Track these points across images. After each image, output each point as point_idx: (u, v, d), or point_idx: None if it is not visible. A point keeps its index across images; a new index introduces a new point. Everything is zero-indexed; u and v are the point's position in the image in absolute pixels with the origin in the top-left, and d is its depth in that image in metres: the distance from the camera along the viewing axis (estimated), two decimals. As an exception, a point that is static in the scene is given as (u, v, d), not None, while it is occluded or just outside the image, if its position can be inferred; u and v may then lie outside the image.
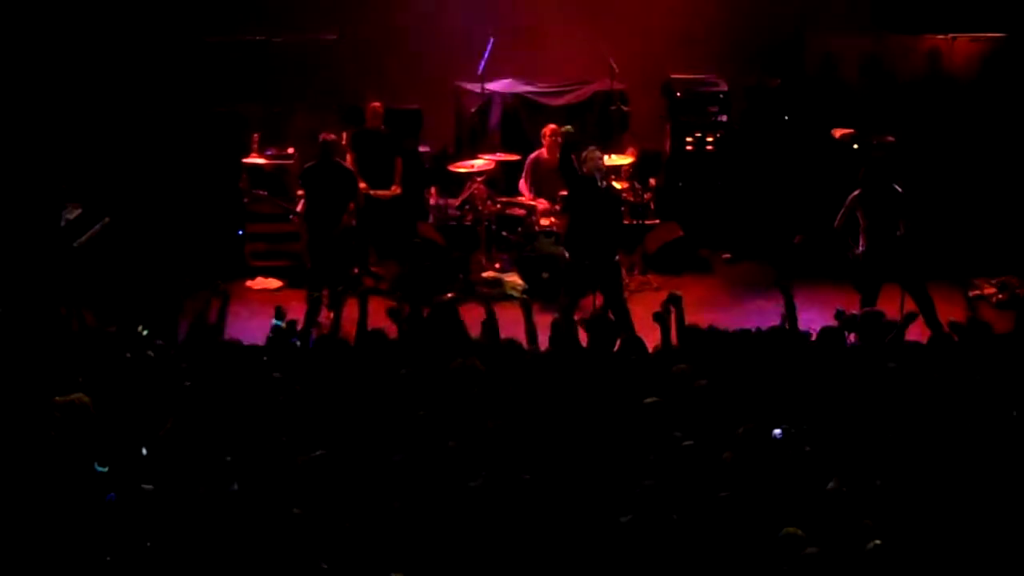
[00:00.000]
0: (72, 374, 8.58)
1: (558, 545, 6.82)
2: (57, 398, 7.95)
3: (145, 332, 9.36)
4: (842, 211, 11.79)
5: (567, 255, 11.83)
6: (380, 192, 13.86)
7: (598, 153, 11.75)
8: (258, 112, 14.61)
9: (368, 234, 13.78)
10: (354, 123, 14.19)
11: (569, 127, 13.45)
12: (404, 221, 14.07)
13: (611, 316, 10.85)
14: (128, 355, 8.84)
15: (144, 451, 7.29)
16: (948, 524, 6.86)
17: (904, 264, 11.62)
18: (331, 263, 12.53)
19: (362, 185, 13.71)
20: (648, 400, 8.26)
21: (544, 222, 13.93)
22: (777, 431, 7.74)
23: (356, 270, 13.46)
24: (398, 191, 14.04)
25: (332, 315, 10.08)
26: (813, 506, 7.19)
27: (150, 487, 7.05)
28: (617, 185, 13.43)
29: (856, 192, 11.74)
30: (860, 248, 11.72)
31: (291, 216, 13.45)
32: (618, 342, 9.53)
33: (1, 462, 7.55)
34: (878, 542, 6.55)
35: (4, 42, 13.41)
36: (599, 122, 14.76)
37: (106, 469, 7.16)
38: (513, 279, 13.67)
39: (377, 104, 14.03)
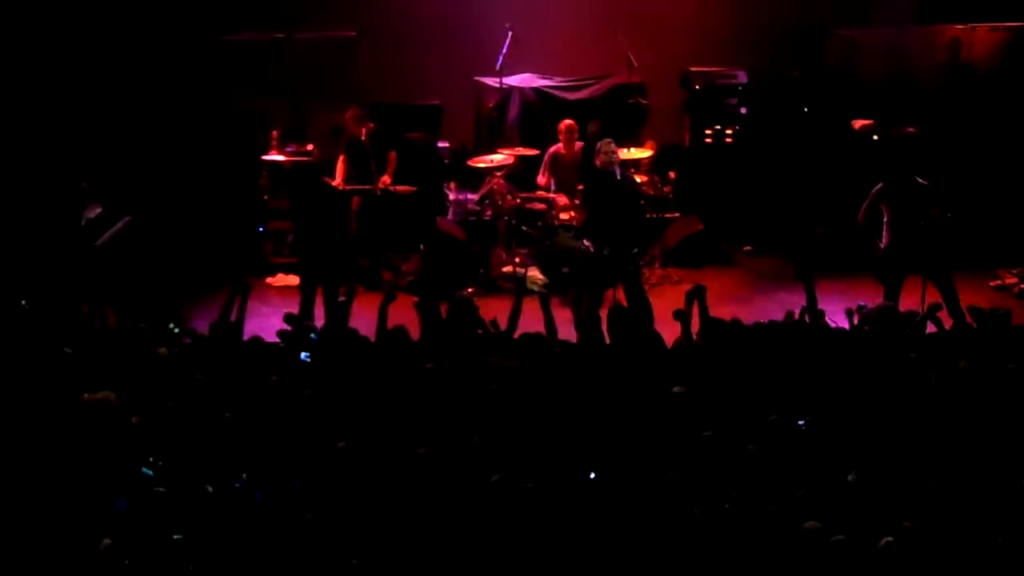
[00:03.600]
0: (97, 372, 8.61)
1: (579, 539, 6.82)
2: (85, 396, 8.00)
3: (176, 330, 9.40)
4: (865, 205, 11.75)
5: (588, 246, 11.77)
6: (399, 187, 13.84)
7: (612, 146, 11.76)
8: (278, 109, 14.66)
9: (386, 230, 13.76)
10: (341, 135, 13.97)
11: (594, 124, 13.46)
12: (423, 216, 14.07)
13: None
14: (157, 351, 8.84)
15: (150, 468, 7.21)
16: (967, 516, 6.83)
17: (929, 255, 11.58)
18: (322, 280, 11.82)
19: (385, 179, 13.68)
20: (675, 390, 8.28)
21: (564, 216, 13.93)
22: (801, 422, 7.74)
23: (368, 263, 13.47)
24: (388, 181, 13.67)
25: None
26: (833, 499, 7.19)
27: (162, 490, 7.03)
28: (637, 178, 13.42)
29: (879, 185, 11.70)
30: (884, 241, 11.68)
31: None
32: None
33: (26, 462, 7.58)
34: (890, 539, 6.53)
35: (25, 42, 13.47)
36: (618, 116, 14.72)
37: (152, 473, 7.12)
38: (533, 274, 13.67)
39: (352, 112, 13.68)
